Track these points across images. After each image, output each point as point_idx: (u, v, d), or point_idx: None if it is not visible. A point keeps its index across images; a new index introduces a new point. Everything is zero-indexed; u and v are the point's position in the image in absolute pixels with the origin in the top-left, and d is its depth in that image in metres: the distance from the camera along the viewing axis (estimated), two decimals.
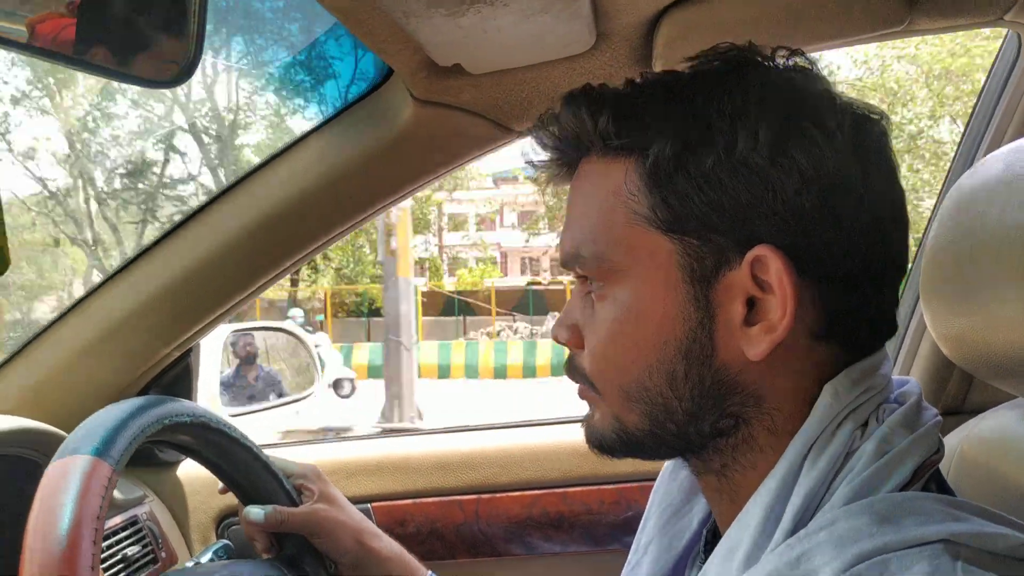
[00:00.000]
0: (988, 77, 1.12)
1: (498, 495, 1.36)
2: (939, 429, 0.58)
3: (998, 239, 0.61)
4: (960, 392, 1.20)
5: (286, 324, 1.65)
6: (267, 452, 0.94)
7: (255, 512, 0.87)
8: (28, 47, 0.64)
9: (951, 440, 0.86)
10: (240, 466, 0.89)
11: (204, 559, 0.94)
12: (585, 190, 0.62)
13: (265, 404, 1.58)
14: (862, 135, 0.57)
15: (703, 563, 0.63)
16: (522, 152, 0.69)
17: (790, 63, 0.60)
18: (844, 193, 0.55)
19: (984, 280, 0.63)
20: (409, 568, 0.94)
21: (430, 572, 0.95)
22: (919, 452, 0.54)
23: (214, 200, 1.21)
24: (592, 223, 0.61)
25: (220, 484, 0.94)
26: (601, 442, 0.64)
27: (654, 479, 0.77)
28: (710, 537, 0.69)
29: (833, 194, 0.55)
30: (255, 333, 1.70)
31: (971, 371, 0.75)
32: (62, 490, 0.61)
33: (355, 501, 0.99)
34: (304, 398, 1.64)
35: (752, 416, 0.58)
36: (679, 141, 0.56)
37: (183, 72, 0.64)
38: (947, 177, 1.21)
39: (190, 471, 1.40)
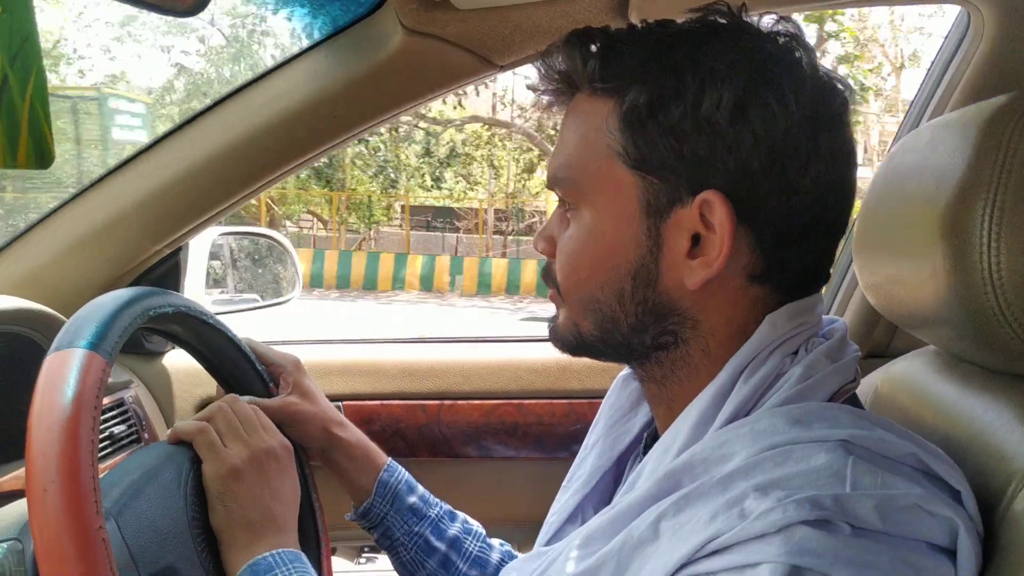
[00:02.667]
0: (938, 51, 1.18)
1: (459, 402, 1.44)
2: (858, 362, 0.67)
3: (915, 201, 0.68)
4: (885, 338, 1.29)
5: (272, 231, 1.72)
6: (254, 340, 0.99)
7: None
8: None
9: (871, 379, 0.93)
10: (220, 354, 0.94)
11: None
12: (573, 122, 0.69)
13: (248, 305, 1.66)
14: (820, 105, 0.63)
15: (641, 461, 0.72)
16: (526, 79, 0.76)
17: (776, 28, 0.66)
18: (791, 157, 0.61)
19: (902, 237, 0.70)
20: (371, 454, 1.00)
21: (390, 458, 1.02)
22: (837, 379, 0.63)
23: (209, 110, 1.26)
24: (574, 152, 0.68)
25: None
26: (560, 340, 0.73)
27: (602, 396, 0.86)
28: (649, 440, 0.78)
29: (781, 156, 0.61)
30: (242, 237, 1.77)
31: (890, 319, 0.82)
32: (62, 382, 0.65)
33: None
34: (285, 302, 1.72)
35: (689, 336, 0.66)
36: (654, 92, 0.62)
37: (200, 1, 0.68)
38: (892, 144, 1.28)
39: (174, 361, 1.48)
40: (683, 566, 0.54)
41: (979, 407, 0.69)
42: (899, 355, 0.94)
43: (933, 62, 1.18)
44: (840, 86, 0.65)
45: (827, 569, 0.50)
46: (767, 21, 0.66)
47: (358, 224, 18.29)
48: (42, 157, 0.72)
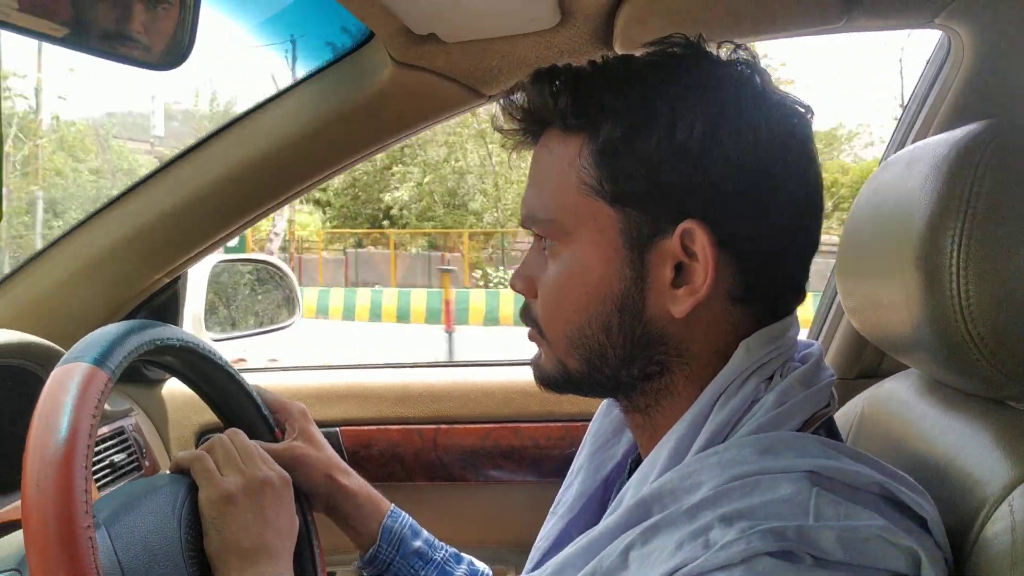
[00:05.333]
0: (921, 75, 1.20)
1: (455, 426, 1.45)
2: (832, 386, 0.67)
3: (891, 226, 0.69)
4: (875, 359, 1.30)
5: (271, 257, 1.74)
6: (261, 385, 1.01)
7: None
8: (21, 28, 0.65)
9: (859, 400, 0.94)
10: (223, 392, 0.96)
11: None
12: (544, 159, 0.69)
13: (248, 331, 1.68)
14: (787, 129, 0.64)
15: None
16: (492, 119, 0.75)
17: (734, 56, 0.67)
18: (765, 180, 0.62)
19: (880, 262, 0.71)
20: (375, 501, 1.00)
21: (392, 504, 1.02)
22: (811, 405, 0.64)
23: (205, 141, 1.28)
24: (548, 189, 0.69)
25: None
26: (546, 380, 0.73)
27: None
28: (633, 466, 0.78)
29: (755, 180, 0.62)
30: (241, 265, 1.79)
31: (873, 342, 0.83)
32: (64, 391, 0.68)
33: (325, 424, 1.04)
34: (286, 327, 1.74)
35: (674, 365, 0.67)
36: (627, 124, 0.63)
37: (179, 55, 0.68)
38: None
39: (173, 389, 1.50)
40: None
41: (957, 431, 0.70)
42: (889, 375, 0.95)
43: (916, 85, 1.19)
44: (800, 108, 0.67)
45: None
46: (724, 52, 0.68)
47: None
48: None
